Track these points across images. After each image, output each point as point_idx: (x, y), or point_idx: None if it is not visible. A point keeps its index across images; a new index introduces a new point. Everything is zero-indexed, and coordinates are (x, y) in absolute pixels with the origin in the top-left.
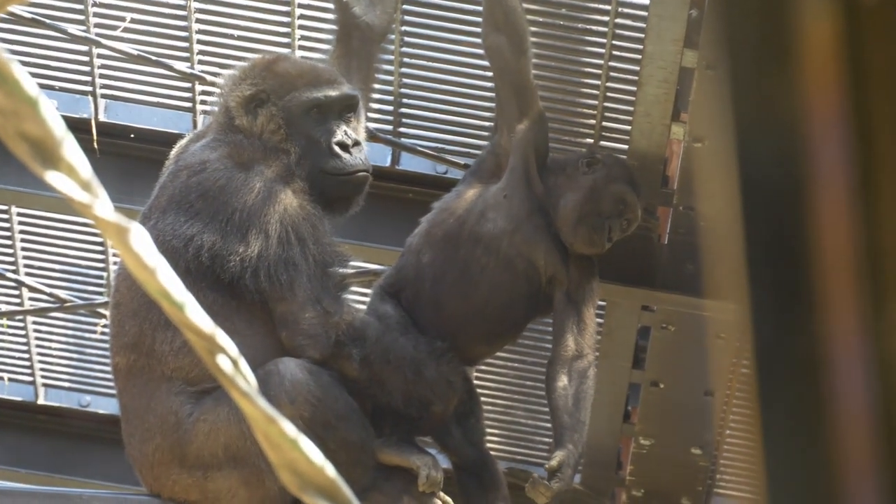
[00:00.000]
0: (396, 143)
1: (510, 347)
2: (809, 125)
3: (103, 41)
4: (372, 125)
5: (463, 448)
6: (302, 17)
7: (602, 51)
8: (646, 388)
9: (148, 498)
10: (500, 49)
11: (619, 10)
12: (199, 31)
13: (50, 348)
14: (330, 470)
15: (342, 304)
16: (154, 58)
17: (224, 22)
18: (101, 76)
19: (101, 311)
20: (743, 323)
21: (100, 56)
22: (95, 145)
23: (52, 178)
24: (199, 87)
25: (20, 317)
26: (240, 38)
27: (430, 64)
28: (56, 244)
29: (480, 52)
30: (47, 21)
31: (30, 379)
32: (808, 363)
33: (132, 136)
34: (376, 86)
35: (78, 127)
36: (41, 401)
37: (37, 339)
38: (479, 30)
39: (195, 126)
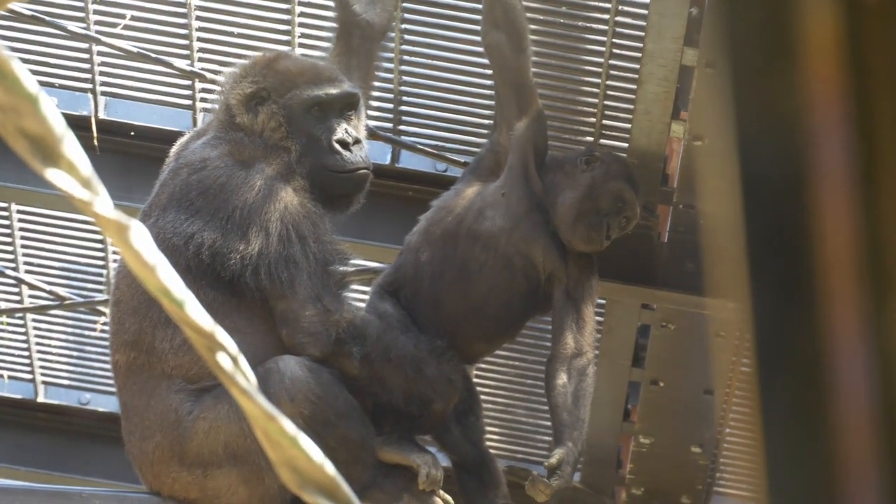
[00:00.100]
0: (396, 141)
1: (510, 346)
2: (811, 122)
3: (103, 38)
4: (372, 123)
5: (462, 446)
6: (302, 14)
7: (602, 49)
8: (646, 386)
9: (148, 496)
10: (500, 47)
11: (620, 7)
12: (199, 29)
13: (49, 346)
14: (329, 468)
15: (342, 302)
16: (154, 55)
17: (224, 20)
18: (101, 73)
19: (101, 308)
20: (744, 320)
21: (100, 53)
22: (95, 143)
23: (52, 175)
24: (199, 85)
25: (20, 314)
26: (240, 35)
27: (429, 62)
28: (56, 241)
29: (480, 49)
30: (47, 18)
31: (29, 377)
32: (810, 360)
33: (132, 133)
34: (376, 83)
35: (78, 124)
36: (41, 398)
37: (36, 336)
38: (478, 28)
39: (195, 124)
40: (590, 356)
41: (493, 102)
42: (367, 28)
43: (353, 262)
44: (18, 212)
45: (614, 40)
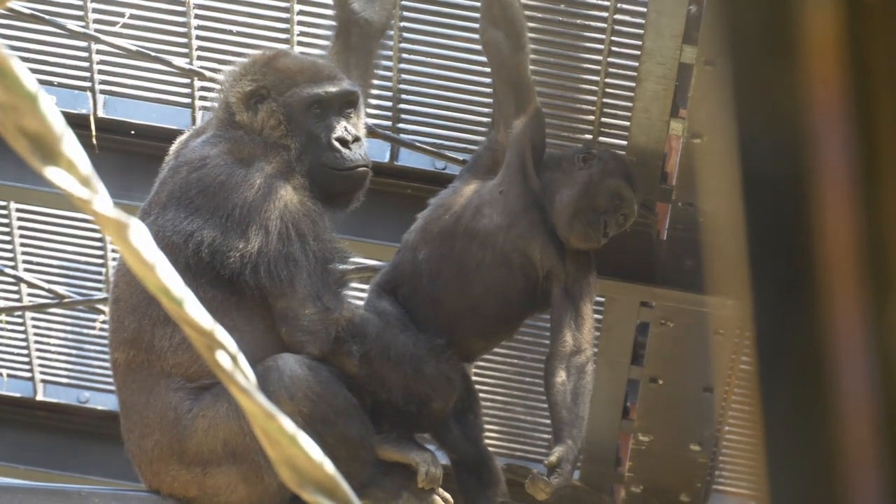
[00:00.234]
0: (395, 139)
1: (509, 343)
2: (810, 120)
3: (102, 37)
4: (370, 121)
5: (461, 444)
6: (301, 12)
7: (601, 47)
8: (645, 384)
9: (147, 494)
10: (498, 45)
11: (618, 5)
12: (198, 27)
13: (49, 344)
14: (329, 466)
15: (342, 300)
16: (153, 53)
17: (223, 18)
18: (101, 72)
19: (100, 307)
20: (744, 318)
21: (99, 52)
22: (94, 141)
23: (52, 173)
24: (198, 83)
25: (19, 313)
26: (239, 33)
27: (428, 60)
28: (55, 240)
29: (478, 47)
30: (46, 17)
31: (28, 375)
32: (810, 358)
33: (132, 132)
34: (375, 81)
35: (77, 122)
36: (40, 397)
37: (35, 335)
38: (477, 25)
39: (194, 122)
40: (588, 354)
41: (491, 100)
42: (366, 26)
43: (352, 260)
44: (17, 210)
45: (613, 38)
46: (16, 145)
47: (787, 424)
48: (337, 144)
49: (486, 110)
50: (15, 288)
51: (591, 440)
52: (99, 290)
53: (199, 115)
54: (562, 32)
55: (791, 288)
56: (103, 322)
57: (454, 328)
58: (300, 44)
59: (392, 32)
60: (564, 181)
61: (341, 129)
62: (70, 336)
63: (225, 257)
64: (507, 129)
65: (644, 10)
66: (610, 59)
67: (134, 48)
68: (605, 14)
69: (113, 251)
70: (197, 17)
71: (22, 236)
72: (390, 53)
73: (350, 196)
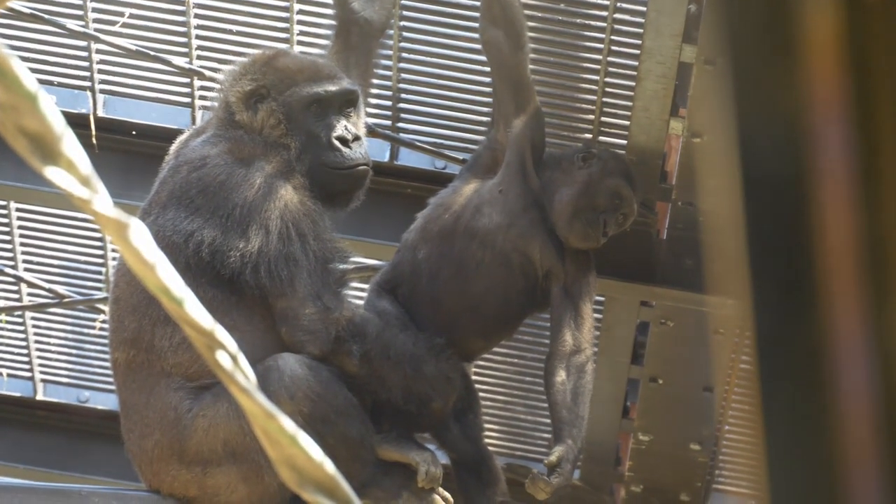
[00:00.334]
0: (395, 139)
1: (509, 343)
2: (811, 120)
3: (102, 36)
4: (370, 120)
5: (461, 444)
6: (301, 12)
7: (601, 46)
8: (645, 383)
9: (147, 494)
10: (498, 44)
11: (618, 4)
12: (198, 27)
13: (49, 344)
14: (329, 466)
15: (342, 300)
16: (153, 53)
17: (223, 17)
18: (100, 71)
19: (100, 306)
20: (744, 318)
21: (99, 51)
22: (94, 141)
23: (52, 173)
24: (197, 83)
25: (19, 312)
26: (238, 33)
27: (428, 59)
28: (55, 239)
29: (478, 47)
30: (46, 16)
31: (28, 375)
32: (810, 358)
33: (134, 133)
34: (375, 81)
35: (77, 122)
36: (40, 396)
37: (35, 334)
38: (476, 25)
39: (194, 121)
40: (588, 353)
41: (491, 100)
42: (366, 25)
43: (352, 259)
44: (17, 210)
45: (613, 37)
46: (16, 145)
47: (787, 424)
48: (337, 143)
49: (485, 110)
50: (15, 288)
51: (590, 440)
52: (99, 289)
53: (199, 114)
54: (561, 32)
55: (791, 288)
56: (103, 322)
57: (454, 328)
58: (300, 43)
59: (392, 32)
60: (564, 180)
61: (341, 128)
62: (70, 336)
63: (225, 257)
64: (507, 128)
65: (644, 9)
66: (610, 59)
67: (134, 48)
68: (604, 13)
69: (113, 251)
70: (197, 16)
71: (22, 236)
72: (390, 53)
73: (350, 195)
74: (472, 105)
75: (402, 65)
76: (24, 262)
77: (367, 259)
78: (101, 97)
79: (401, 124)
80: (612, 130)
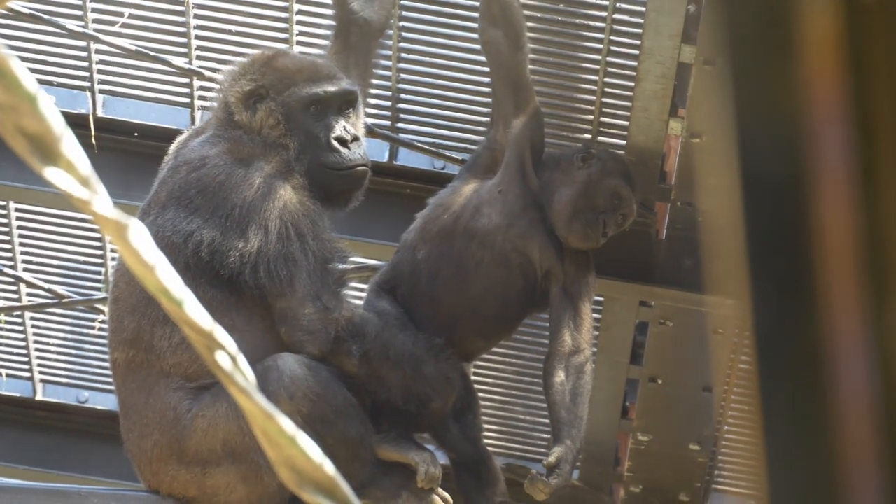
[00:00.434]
0: (394, 139)
1: (508, 343)
2: (810, 120)
3: (102, 37)
4: (370, 121)
5: (461, 444)
6: (300, 12)
7: (600, 46)
8: (644, 383)
9: (146, 494)
10: (497, 44)
11: (617, 5)
12: (197, 27)
13: (48, 344)
14: (328, 466)
15: (341, 300)
16: (152, 53)
17: (222, 17)
18: (100, 72)
19: (100, 306)
20: (743, 318)
21: (98, 52)
22: (94, 141)
23: (51, 173)
24: (197, 83)
25: (18, 313)
26: (238, 33)
27: (427, 59)
28: (54, 240)
29: (478, 47)
30: (46, 17)
31: (28, 375)
32: (810, 358)
33: (132, 132)
34: (374, 81)
35: (76, 122)
36: (39, 397)
37: (35, 334)
38: (476, 25)
39: (193, 122)
40: (587, 353)
41: (490, 100)
42: (366, 25)
43: (351, 259)
44: (17, 210)
45: (612, 37)
46: (15, 145)
47: (786, 424)
48: (336, 144)
49: (485, 110)
50: (14, 288)
51: (590, 440)
52: (98, 290)
53: (198, 114)
54: (561, 32)
55: (790, 288)
56: (103, 322)
57: (453, 328)
58: (300, 43)
59: (391, 32)
60: (563, 181)
61: (340, 128)
62: (69, 336)
63: (224, 257)
64: (506, 128)
65: (643, 9)
66: (609, 59)
67: (133, 48)
68: (603, 13)
69: (112, 251)
70: (196, 16)
71: (21, 236)
72: (390, 53)
73: (349, 195)
74: (472, 105)
75: (402, 65)
76: (24, 262)
77: (366, 259)
78: (100, 97)
79: (400, 124)
80: (612, 131)
